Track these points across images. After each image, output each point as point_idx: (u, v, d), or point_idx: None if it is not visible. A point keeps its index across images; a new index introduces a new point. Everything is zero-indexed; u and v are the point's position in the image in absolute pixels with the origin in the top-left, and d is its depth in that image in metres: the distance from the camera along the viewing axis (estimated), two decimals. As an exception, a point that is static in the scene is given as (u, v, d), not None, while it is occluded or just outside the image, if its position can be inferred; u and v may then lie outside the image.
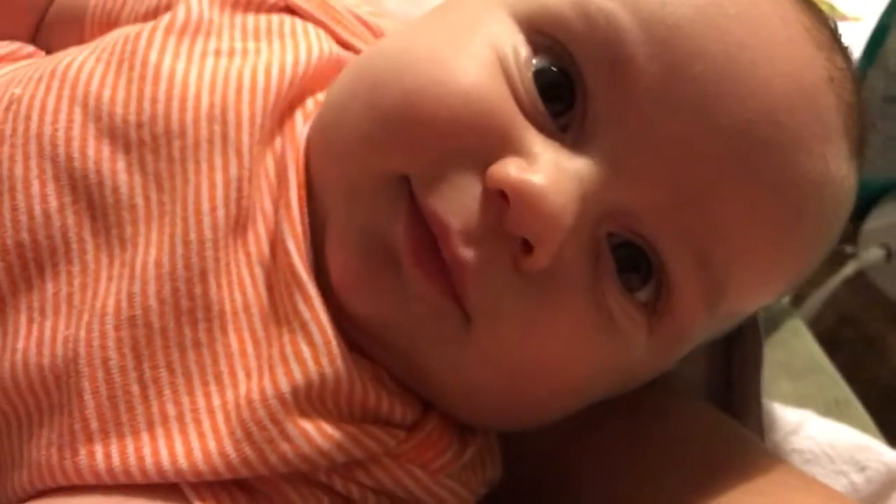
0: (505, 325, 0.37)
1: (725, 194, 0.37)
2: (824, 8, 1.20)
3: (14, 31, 0.51)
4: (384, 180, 0.37)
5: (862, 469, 0.55)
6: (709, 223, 0.37)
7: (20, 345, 0.37)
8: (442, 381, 0.39)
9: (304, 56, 0.43)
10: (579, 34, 0.37)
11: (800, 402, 0.61)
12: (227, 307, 0.37)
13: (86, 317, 0.37)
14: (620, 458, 0.46)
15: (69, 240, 0.38)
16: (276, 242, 0.39)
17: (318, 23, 0.46)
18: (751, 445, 0.48)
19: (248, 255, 0.39)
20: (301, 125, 0.42)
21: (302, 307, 0.37)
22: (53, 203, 0.38)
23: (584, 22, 0.37)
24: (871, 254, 1.01)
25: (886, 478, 0.54)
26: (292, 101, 0.42)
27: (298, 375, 0.36)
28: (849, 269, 1.00)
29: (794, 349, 0.67)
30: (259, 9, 0.45)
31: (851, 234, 1.04)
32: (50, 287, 0.38)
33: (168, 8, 0.45)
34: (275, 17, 0.45)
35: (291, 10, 0.46)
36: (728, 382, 0.56)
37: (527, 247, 0.36)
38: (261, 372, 0.37)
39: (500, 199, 0.35)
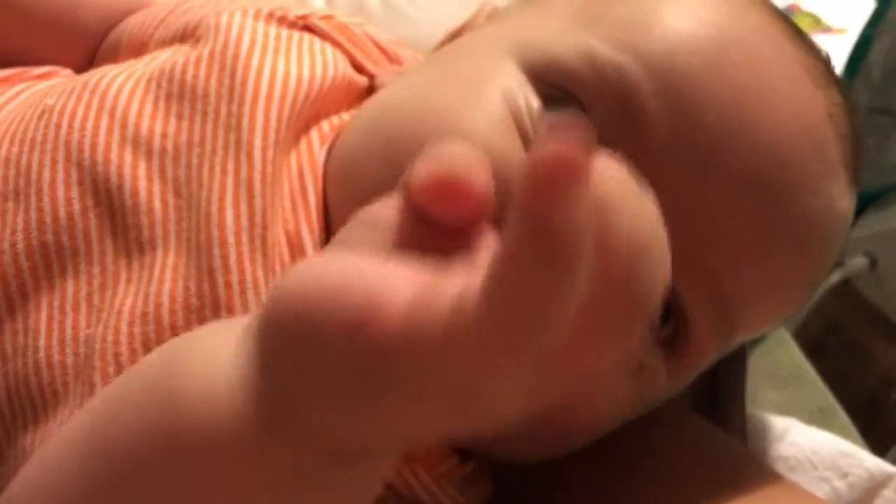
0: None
1: (736, 236, 0.38)
2: (809, 21, 1.22)
3: (73, 59, 0.52)
4: None
5: (844, 475, 0.55)
6: (720, 264, 0.38)
7: (41, 342, 0.38)
8: None
9: (321, 72, 0.44)
10: (590, 85, 0.38)
11: (784, 410, 0.62)
12: (238, 307, 0.38)
13: (104, 316, 0.38)
14: (610, 471, 0.47)
15: (91, 241, 0.39)
16: (294, 251, 0.40)
17: (336, 43, 0.47)
18: (740, 456, 0.49)
19: (265, 256, 0.39)
20: (318, 147, 0.42)
21: None
22: (77, 206, 0.40)
23: (594, 74, 0.38)
24: (856, 262, 1.02)
25: (868, 484, 0.55)
26: (308, 118, 0.43)
27: None
28: (834, 278, 1.01)
29: (779, 358, 0.68)
30: (281, 23, 0.46)
31: (836, 243, 1.05)
32: (70, 287, 0.39)
33: (196, 29, 0.46)
34: (295, 34, 0.46)
35: (310, 29, 0.47)
36: (714, 393, 0.57)
37: None
38: None
39: None
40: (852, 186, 0.42)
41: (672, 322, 0.39)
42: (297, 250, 0.40)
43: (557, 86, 0.38)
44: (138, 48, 0.49)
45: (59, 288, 0.39)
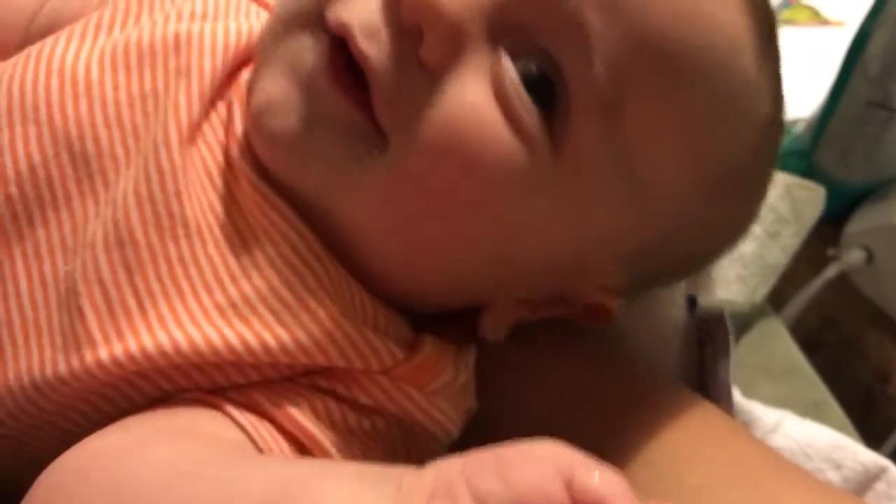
0: (419, 128, 0.38)
1: (619, 17, 0.38)
2: (807, 13, 1.22)
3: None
4: (306, 18, 0.40)
5: (838, 467, 0.56)
6: (601, 25, 0.38)
7: (23, 286, 0.40)
8: (357, 221, 0.40)
9: (247, 30, 0.45)
10: None
11: (779, 403, 0.62)
12: (203, 223, 0.40)
13: (80, 251, 0.40)
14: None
15: (55, 188, 0.41)
16: (228, 156, 0.42)
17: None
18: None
19: (205, 167, 0.41)
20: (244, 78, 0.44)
21: (274, 216, 0.40)
22: (37, 158, 0.41)
23: None
24: (853, 256, 1.02)
25: (862, 476, 0.55)
26: (241, 63, 0.44)
27: (290, 273, 0.39)
28: (831, 272, 1.01)
29: (774, 351, 0.69)
30: None
31: (833, 236, 1.05)
32: (42, 234, 0.41)
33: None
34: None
35: None
36: (700, 384, 0.57)
37: (422, 37, 0.38)
38: (250, 272, 0.40)
39: (396, 4, 0.37)
40: (753, 14, 0.41)
41: (552, 96, 0.39)
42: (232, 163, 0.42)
43: None
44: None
45: (31, 238, 0.40)
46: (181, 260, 0.39)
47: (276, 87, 0.40)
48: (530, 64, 0.39)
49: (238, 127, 0.42)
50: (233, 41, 0.44)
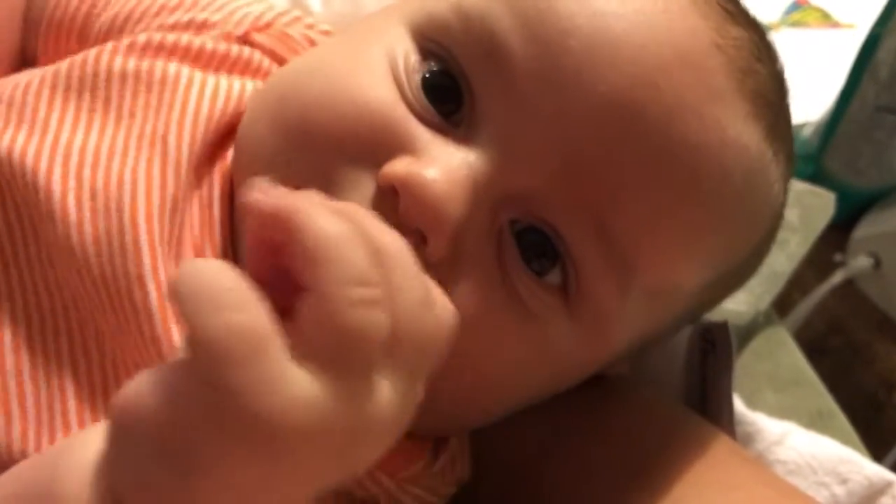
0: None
1: (613, 162, 0.37)
2: (817, 15, 1.21)
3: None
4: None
5: (844, 481, 0.55)
6: (600, 193, 0.37)
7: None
8: None
9: (249, 92, 0.44)
10: (458, 35, 0.39)
11: (784, 413, 0.61)
12: (169, 313, 0.38)
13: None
14: (595, 464, 0.47)
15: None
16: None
17: (279, 59, 0.47)
18: (721, 441, 0.49)
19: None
20: (229, 159, 0.43)
21: None
22: None
23: (462, 22, 0.39)
24: (860, 262, 1.02)
25: (868, 491, 0.54)
26: (224, 135, 0.43)
27: None
28: (837, 278, 1.00)
29: (780, 360, 0.68)
30: (220, 40, 0.46)
31: (840, 242, 1.05)
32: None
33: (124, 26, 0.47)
34: (234, 48, 0.46)
35: (251, 43, 0.47)
36: (703, 392, 0.56)
37: (424, 238, 0.37)
38: None
39: (393, 195, 0.36)
40: (761, 121, 0.40)
41: (561, 262, 0.39)
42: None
43: (434, 39, 0.40)
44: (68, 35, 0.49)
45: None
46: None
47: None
48: (533, 235, 0.39)
49: (216, 214, 0.41)
50: (219, 105, 0.43)
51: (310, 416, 0.26)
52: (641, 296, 0.40)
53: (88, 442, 0.30)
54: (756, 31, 0.42)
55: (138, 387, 0.27)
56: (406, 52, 0.40)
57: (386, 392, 0.29)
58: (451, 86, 0.39)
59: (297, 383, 0.26)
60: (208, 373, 0.26)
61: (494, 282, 0.38)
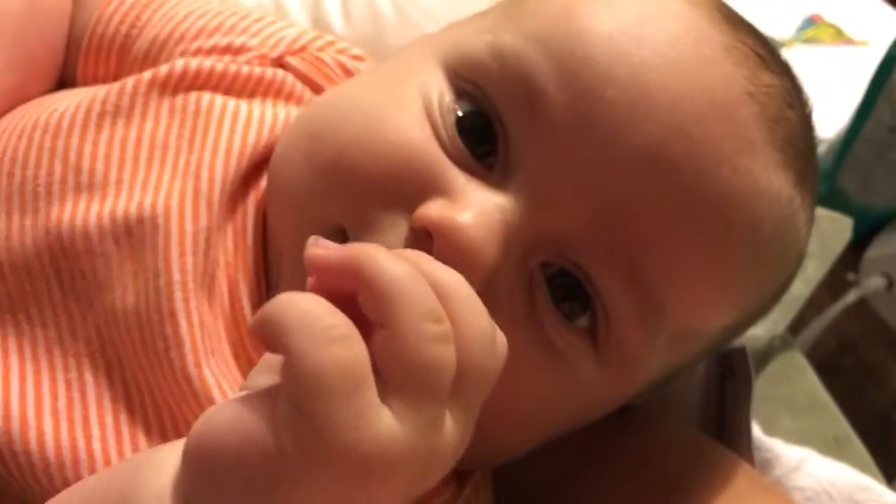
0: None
1: (646, 211, 0.38)
2: (830, 32, 1.21)
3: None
4: (323, 230, 0.38)
5: (861, 510, 0.55)
6: (633, 241, 0.38)
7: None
8: None
9: (282, 120, 0.45)
10: (494, 76, 0.39)
11: (800, 438, 0.61)
12: (200, 347, 0.39)
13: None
14: (616, 493, 0.47)
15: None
16: (233, 295, 0.41)
17: (307, 81, 0.48)
18: (743, 471, 0.49)
19: (212, 306, 0.40)
20: (263, 186, 0.44)
21: None
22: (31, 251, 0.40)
23: (498, 63, 0.39)
24: (873, 282, 1.02)
25: (885, 519, 0.55)
26: (258, 164, 0.44)
27: None
28: (850, 297, 1.00)
29: (797, 385, 0.68)
30: (253, 62, 0.47)
31: (853, 261, 1.05)
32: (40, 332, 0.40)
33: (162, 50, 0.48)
34: (269, 71, 0.47)
35: (284, 66, 0.48)
36: (721, 418, 0.57)
37: None
38: None
39: (426, 238, 0.37)
40: (791, 169, 0.41)
41: (591, 306, 0.39)
42: (235, 298, 0.41)
43: (469, 79, 0.40)
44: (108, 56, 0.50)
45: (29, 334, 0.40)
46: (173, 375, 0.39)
47: None
48: (564, 279, 0.39)
49: (249, 249, 0.42)
50: (252, 137, 0.43)
51: (398, 448, 0.28)
52: (668, 338, 0.40)
53: (162, 464, 0.30)
54: (787, 75, 0.43)
55: (218, 415, 0.28)
56: (441, 92, 0.40)
57: (450, 423, 0.30)
58: (485, 126, 0.39)
59: (384, 417, 0.28)
60: (306, 403, 0.26)
61: (524, 323, 0.38)
